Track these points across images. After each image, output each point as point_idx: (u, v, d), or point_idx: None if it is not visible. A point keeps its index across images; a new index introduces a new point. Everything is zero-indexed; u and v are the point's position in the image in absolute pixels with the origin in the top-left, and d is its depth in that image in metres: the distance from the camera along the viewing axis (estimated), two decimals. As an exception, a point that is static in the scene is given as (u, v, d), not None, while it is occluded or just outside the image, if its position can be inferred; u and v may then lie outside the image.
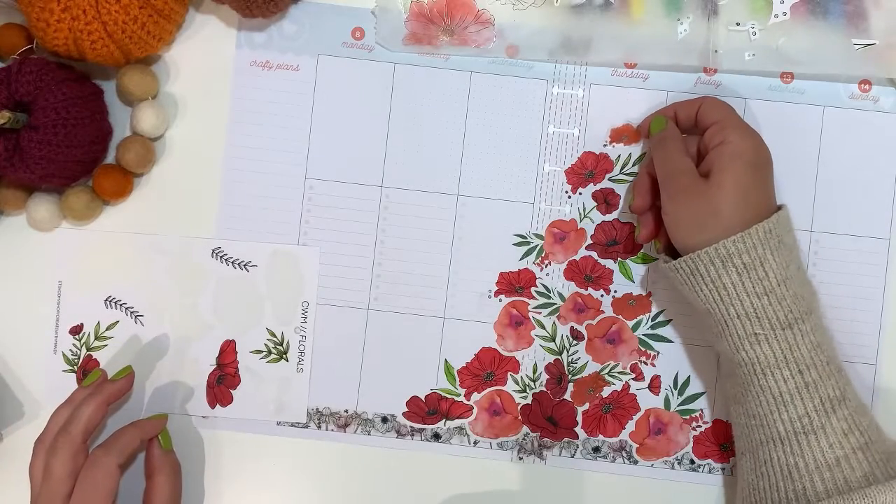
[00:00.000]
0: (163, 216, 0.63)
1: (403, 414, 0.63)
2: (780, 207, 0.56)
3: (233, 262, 0.63)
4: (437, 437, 0.63)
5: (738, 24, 0.61)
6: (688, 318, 0.63)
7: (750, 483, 0.56)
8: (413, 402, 0.63)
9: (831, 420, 0.53)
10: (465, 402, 0.63)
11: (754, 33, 0.61)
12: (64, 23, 0.56)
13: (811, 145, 0.63)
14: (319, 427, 0.63)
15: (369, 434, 0.63)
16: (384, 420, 0.63)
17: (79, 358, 0.63)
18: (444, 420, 0.63)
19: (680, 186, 0.55)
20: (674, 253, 0.58)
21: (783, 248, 0.54)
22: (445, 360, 0.63)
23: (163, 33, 0.60)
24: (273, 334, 0.63)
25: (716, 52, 0.61)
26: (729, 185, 0.54)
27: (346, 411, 0.63)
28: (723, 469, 0.63)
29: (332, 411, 0.63)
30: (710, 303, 0.55)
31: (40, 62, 0.58)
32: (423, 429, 0.63)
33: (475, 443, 0.63)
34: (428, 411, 0.63)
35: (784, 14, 0.61)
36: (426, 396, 0.63)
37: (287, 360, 0.63)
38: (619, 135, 0.63)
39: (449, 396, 0.63)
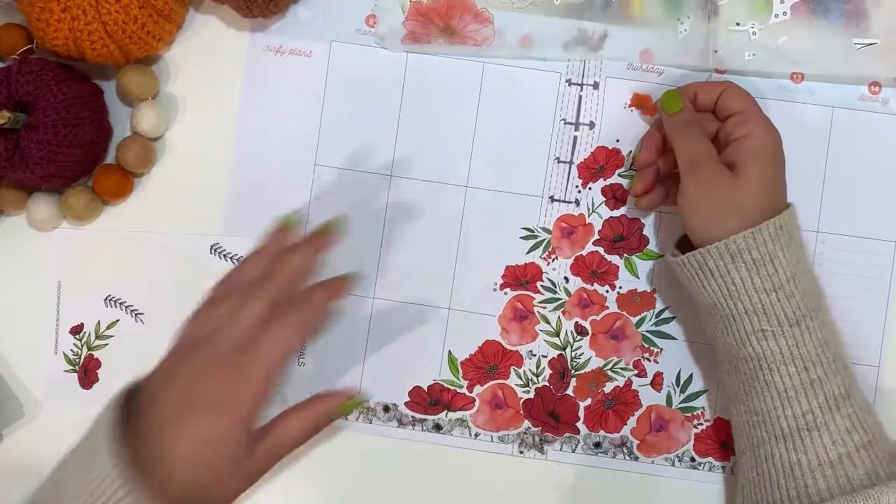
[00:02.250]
0: (163, 216, 0.63)
1: (405, 403, 0.63)
2: (787, 205, 0.56)
3: (231, 258, 0.63)
4: (438, 427, 0.63)
5: (738, 24, 0.61)
6: (692, 316, 0.63)
7: (751, 481, 0.56)
8: (415, 391, 0.63)
9: (835, 417, 0.53)
10: (468, 394, 0.63)
11: (754, 33, 0.61)
12: (64, 23, 0.56)
13: (820, 146, 0.63)
14: (321, 415, 0.63)
15: (370, 422, 0.63)
16: (386, 409, 0.63)
17: (80, 358, 0.63)
18: (445, 411, 0.63)
19: (707, 174, 0.55)
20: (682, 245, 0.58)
21: (793, 245, 0.54)
22: (449, 352, 0.63)
23: (163, 33, 0.59)
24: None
25: (716, 52, 0.61)
26: (755, 180, 0.54)
27: (349, 400, 0.63)
28: (723, 467, 0.63)
29: (335, 399, 0.63)
30: (717, 298, 0.55)
31: (40, 62, 0.58)
32: (425, 419, 0.63)
33: (476, 435, 0.63)
34: (430, 402, 0.63)
35: (784, 14, 0.61)
36: (429, 387, 0.63)
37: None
38: (639, 102, 0.62)
39: (451, 388, 0.63)
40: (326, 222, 0.54)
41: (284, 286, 0.50)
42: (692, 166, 0.56)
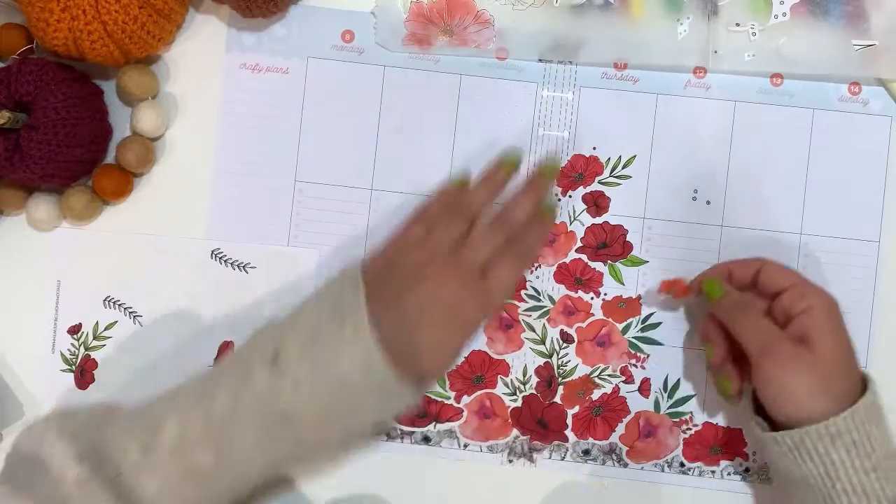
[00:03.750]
0: (162, 216, 0.63)
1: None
2: (864, 374, 0.55)
3: (231, 264, 0.63)
4: (427, 439, 0.63)
5: (738, 24, 0.61)
6: (677, 322, 0.63)
7: None
8: (403, 404, 0.63)
9: None
10: (455, 404, 0.63)
11: (754, 34, 0.61)
12: (64, 23, 0.56)
13: (801, 148, 0.63)
14: (309, 430, 0.63)
15: (359, 437, 0.63)
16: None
17: (77, 357, 0.63)
18: (434, 423, 0.63)
19: (785, 356, 0.53)
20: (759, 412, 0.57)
21: (882, 418, 0.53)
22: (435, 363, 0.63)
23: (163, 33, 0.60)
24: (265, 337, 0.63)
25: (715, 52, 0.61)
26: (834, 352, 0.53)
27: (336, 414, 0.63)
28: (713, 472, 0.63)
29: (322, 414, 0.63)
30: (814, 477, 0.53)
31: (40, 62, 0.58)
32: (413, 431, 0.63)
33: (465, 446, 0.63)
34: (418, 414, 0.63)
35: (784, 15, 0.61)
36: (416, 399, 0.63)
37: (277, 363, 0.63)
38: (669, 287, 0.62)
39: (439, 399, 0.63)
40: (547, 163, 0.59)
41: (514, 227, 0.55)
42: (767, 351, 0.54)
